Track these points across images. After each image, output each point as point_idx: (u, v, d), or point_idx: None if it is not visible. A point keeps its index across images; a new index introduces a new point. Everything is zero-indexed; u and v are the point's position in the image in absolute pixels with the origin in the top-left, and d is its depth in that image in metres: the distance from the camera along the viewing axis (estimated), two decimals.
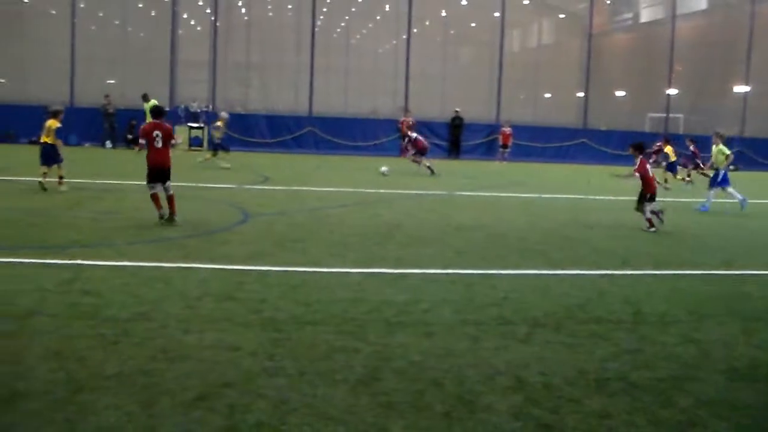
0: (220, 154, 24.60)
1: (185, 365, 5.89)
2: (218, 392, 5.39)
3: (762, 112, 39.83)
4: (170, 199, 12.77)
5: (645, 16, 49.95)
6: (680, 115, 41.69)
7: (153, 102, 30.12)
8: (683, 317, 8.29)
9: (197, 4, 40.44)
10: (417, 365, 6.21)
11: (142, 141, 12.93)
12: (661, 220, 14.65)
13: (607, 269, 10.72)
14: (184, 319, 7.10)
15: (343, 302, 8.03)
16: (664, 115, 40.73)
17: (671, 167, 25.44)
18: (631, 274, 10.54)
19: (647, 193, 14.67)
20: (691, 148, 26.68)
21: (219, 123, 25.56)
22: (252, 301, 7.86)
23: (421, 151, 24.89)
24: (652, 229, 14.32)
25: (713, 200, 18.76)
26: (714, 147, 19.35)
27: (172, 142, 13.01)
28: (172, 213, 12.72)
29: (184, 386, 5.46)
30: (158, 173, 12.78)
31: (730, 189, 18.80)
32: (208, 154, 25.20)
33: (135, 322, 6.94)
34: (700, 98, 41.72)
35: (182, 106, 34.67)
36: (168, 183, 12.82)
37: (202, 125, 33.56)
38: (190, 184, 18.52)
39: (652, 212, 14.60)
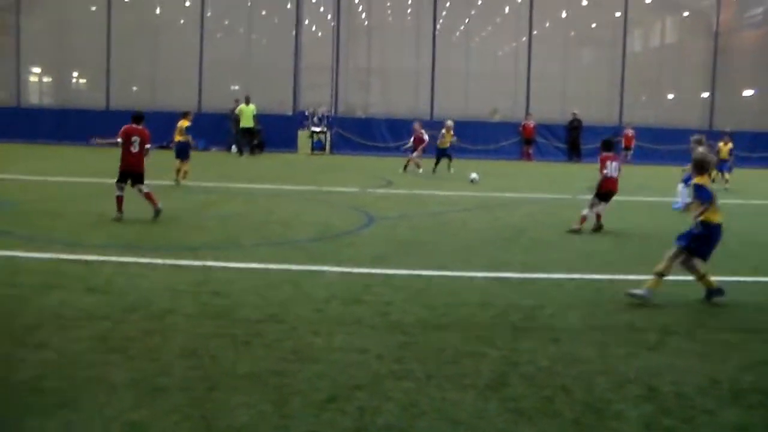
0: (444, 161, 25.11)
1: (315, 367, 6.03)
2: (348, 394, 5.50)
3: None
4: (148, 196, 13.09)
5: None
6: None
7: (253, 107, 30.75)
8: None
9: (319, 10, 41.20)
10: (545, 371, 6.17)
11: (118, 140, 13.05)
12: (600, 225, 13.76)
13: (740, 276, 10.36)
14: (313, 322, 7.27)
15: (469, 306, 8.06)
16: None
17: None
18: (765, 281, 10.16)
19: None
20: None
21: (444, 131, 25.59)
22: (378, 304, 7.97)
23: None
24: (575, 227, 13.42)
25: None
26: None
27: (147, 146, 13.23)
28: (155, 208, 13.08)
29: (315, 387, 5.59)
30: (129, 176, 13.05)
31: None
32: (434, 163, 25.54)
33: (265, 324, 7.15)
34: None
35: (308, 111, 35.33)
36: (140, 185, 13.12)
37: (324, 129, 34.19)
38: (313, 188, 18.95)
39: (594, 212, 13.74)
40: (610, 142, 14.93)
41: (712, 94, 38.91)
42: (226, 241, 11.57)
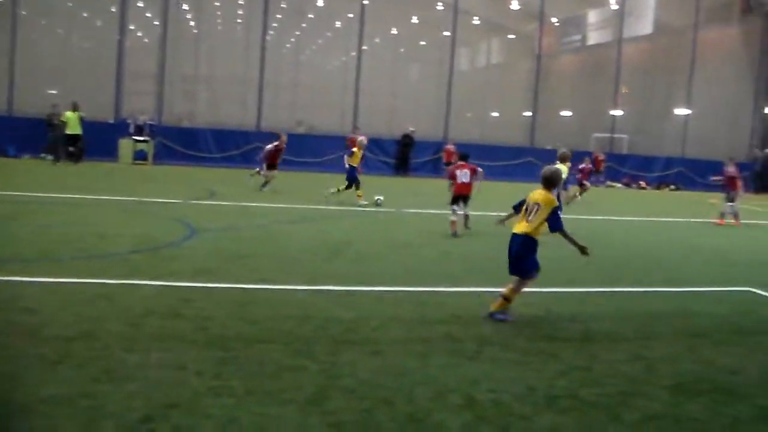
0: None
1: (129, 386, 5.74)
2: (163, 413, 5.26)
3: (701, 135, 40.72)
4: None
5: (592, 38, 50.74)
6: (625, 136, 42.43)
7: (79, 113, 29.50)
8: (630, 335, 8.38)
9: (145, 15, 39.99)
10: (366, 383, 6.15)
11: None
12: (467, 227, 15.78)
13: (555, 287, 10.78)
14: (128, 338, 6.94)
15: (292, 320, 7.94)
16: (609, 135, 41.41)
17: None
18: (578, 292, 10.63)
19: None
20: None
21: (354, 149, 21.53)
22: (199, 319, 7.72)
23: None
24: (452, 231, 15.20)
25: None
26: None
27: None
28: None
29: (128, 408, 5.31)
30: None
31: None
32: (341, 186, 20.85)
33: (77, 341, 6.75)
34: (644, 119, 42.57)
35: (130, 119, 34.03)
36: None
37: (147, 139, 33.11)
38: (134, 199, 18.29)
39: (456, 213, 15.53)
40: (466, 155, 16.86)
41: (534, 114, 40.70)
42: (38, 254, 10.91)
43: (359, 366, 6.56)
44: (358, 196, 20.09)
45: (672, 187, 38.53)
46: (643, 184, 38.85)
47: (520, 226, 8.99)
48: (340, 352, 6.92)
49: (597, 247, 14.81)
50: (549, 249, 14.34)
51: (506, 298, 8.65)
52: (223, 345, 6.92)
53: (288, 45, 42.42)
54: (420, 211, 19.67)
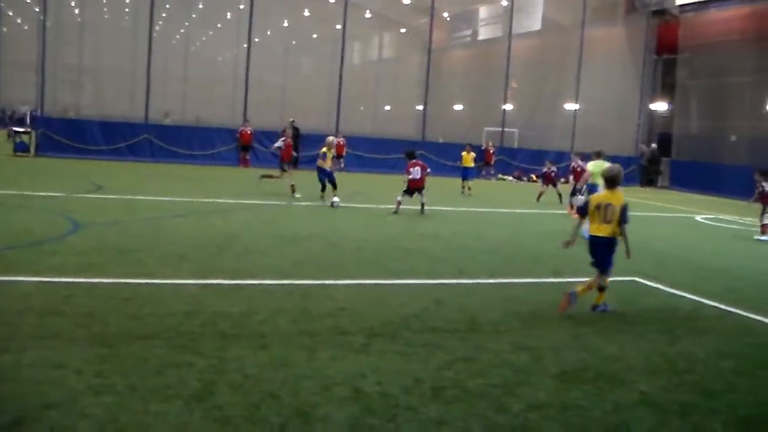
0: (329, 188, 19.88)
1: (1, 387, 5.50)
2: (38, 415, 5.05)
3: (589, 129, 41.88)
4: None
5: (483, 33, 51.61)
6: (515, 130, 43.28)
7: None
8: (516, 325, 8.53)
9: (25, 1, 38.46)
10: (252, 378, 6.06)
11: None
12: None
13: (443, 279, 10.90)
14: (1, 338, 6.64)
15: (177, 315, 7.76)
16: (500, 129, 42.16)
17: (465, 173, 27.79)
18: (467, 283, 10.76)
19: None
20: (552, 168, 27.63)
21: (324, 149, 20.16)
22: (79, 316, 7.46)
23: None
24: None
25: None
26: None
27: None
28: None
29: None
30: None
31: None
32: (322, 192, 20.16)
33: None
34: (534, 114, 43.51)
35: (9, 109, 32.72)
36: None
37: (28, 130, 31.87)
38: (13, 192, 17.59)
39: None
40: (412, 153, 20.00)
41: (425, 108, 41.07)
42: None
43: (246, 360, 6.47)
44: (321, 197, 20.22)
45: (563, 180, 39.52)
46: (534, 177, 39.71)
47: (600, 229, 9.43)
48: (226, 347, 6.80)
49: (485, 239, 15.11)
50: (440, 241, 14.61)
51: (601, 288, 9.45)
52: (105, 342, 6.71)
53: (177, 36, 41.53)
54: (308, 204, 19.53)
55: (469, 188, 27.02)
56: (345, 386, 6.02)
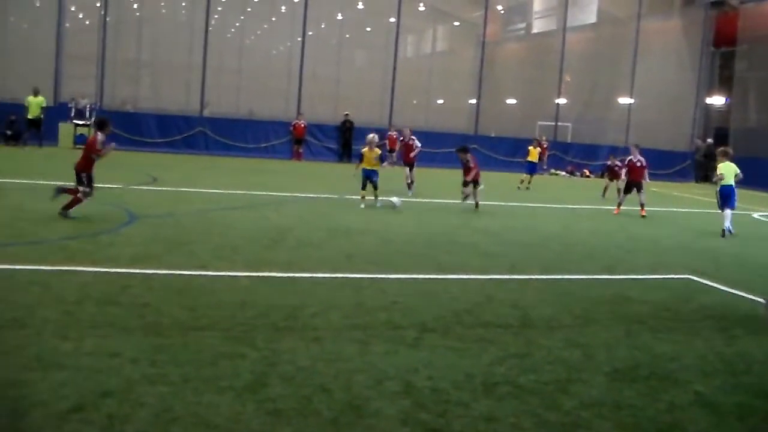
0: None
1: (60, 374, 5.60)
2: (96, 402, 5.15)
3: (643, 124, 41.31)
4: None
5: (537, 26, 51.17)
6: (568, 124, 42.86)
7: (41, 99, 29.14)
8: (569, 321, 8.45)
9: None
10: (304, 371, 6.10)
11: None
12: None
13: (496, 274, 10.85)
14: (61, 325, 6.79)
15: (230, 306, 7.85)
16: (553, 123, 41.79)
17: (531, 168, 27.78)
18: (519, 279, 10.70)
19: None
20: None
21: (365, 149, 18.23)
22: (135, 306, 7.59)
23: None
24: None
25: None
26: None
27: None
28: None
29: (59, 396, 5.18)
30: None
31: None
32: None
33: (6, 330, 6.58)
34: (587, 108, 43.01)
35: (70, 102, 33.32)
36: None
37: (88, 122, 32.43)
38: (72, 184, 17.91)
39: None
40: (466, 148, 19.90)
41: (478, 101, 40.88)
42: None
43: (298, 353, 6.51)
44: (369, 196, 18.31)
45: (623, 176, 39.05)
46: (587, 172, 39.29)
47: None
48: (279, 339, 6.86)
49: (537, 234, 15.00)
50: (492, 237, 14.56)
51: None
52: (160, 332, 6.81)
53: (232, 30, 41.88)
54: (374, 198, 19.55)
55: (529, 183, 26.85)
56: (397, 381, 6.03)
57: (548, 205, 22.16)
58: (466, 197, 18.98)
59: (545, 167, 37.92)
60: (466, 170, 18.93)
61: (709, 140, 43.21)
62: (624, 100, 42.77)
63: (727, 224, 17.39)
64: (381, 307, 8.31)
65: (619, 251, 14.16)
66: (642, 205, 20.42)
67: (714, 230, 17.86)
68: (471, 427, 5.26)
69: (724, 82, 43.46)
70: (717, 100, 43.75)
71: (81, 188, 13.03)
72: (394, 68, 38.16)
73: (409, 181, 22.15)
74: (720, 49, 43.39)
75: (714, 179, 18.24)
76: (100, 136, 13.47)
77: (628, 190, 20.92)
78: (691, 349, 7.71)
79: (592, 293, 10.13)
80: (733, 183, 17.73)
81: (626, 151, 32.80)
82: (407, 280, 10.00)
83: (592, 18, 45.96)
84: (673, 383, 6.58)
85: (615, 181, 25.23)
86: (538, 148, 28.74)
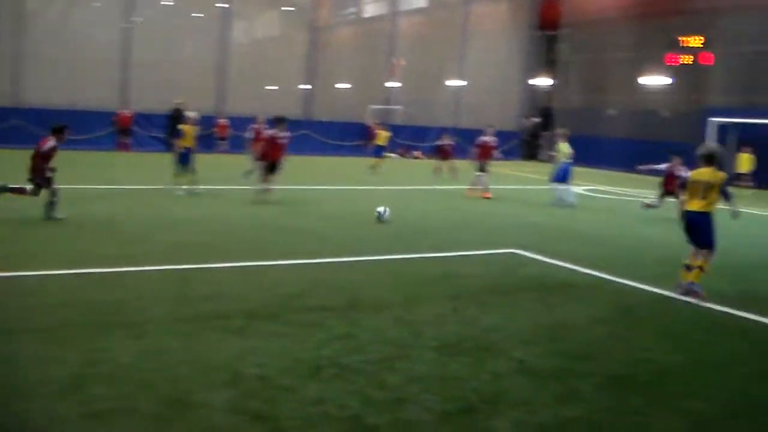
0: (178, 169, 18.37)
1: None
2: None
3: (473, 105, 42.49)
4: None
5: (368, 11, 51.51)
6: (399, 107, 43.49)
7: None
8: (397, 300, 8.59)
9: None
10: (126, 368, 5.91)
11: None
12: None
13: (326, 258, 10.88)
14: None
15: (50, 306, 7.48)
16: (385, 107, 42.30)
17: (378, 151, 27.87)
18: (349, 261, 10.78)
19: None
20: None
21: (184, 127, 18.55)
22: None
23: None
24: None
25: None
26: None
27: None
28: None
29: None
30: None
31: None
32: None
33: None
34: (419, 91, 43.79)
35: None
36: None
37: None
38: None
39: None
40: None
41: (311, 86, 40.83)
42: None
43: (121, 350, 6.29)
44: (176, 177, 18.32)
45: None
46: (417, 154, 39.98)
47: (698, 205, 9.58)
48: (101, 338, 6.60)
49: (369, 215, 15.13)
50: (324, 221, 14.56)
51: (702, 269, 9.58)
52: None
53: (51, 15, 39.84)
54: (191, 187, 19.06)
55: (373, 167, 27.00)
56: (223, 371, 5.94)
57: (382, 187, 22.42)
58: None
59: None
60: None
61: (535, 120, 44.98)
62: (454, 83, 43.81)
63: (568, 197, 19.59)
64: (207, 297, 8.16)
65: (449, 230, 14.51)
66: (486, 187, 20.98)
67: (538, 205, 18.61)
68: (299, 412, 5.27)
69: (549, 64, 45.30)
70: (542, 82, 45.54)
71: None
72: (225, 55, 37.50)
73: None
74: (545, 32, 45.17)
75: (553, 158, 20.39)
76: None
77: (482, 169, 21.19)
78: (514, 320, 8.01)
79: (421, 272, 10.33)
80: (567, 160, 20.13)
81: (456, 133, 33.78)
82: (235, 269, 9.86)
83: (422, 2, 46.72)
84: (496, 353, 6.82)
85: (446, 161, 25.94)
86: (385, 132, 28.91)
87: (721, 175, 9.60)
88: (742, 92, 35.13)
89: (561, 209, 18.72)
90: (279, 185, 17.62)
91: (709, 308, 9.18)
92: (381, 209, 14.91)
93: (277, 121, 18.23)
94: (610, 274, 10.75)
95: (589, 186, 26.37)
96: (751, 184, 28.17)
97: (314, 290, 8.79)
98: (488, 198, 20.32)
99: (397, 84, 43.59)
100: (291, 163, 19.20)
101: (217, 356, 6.26)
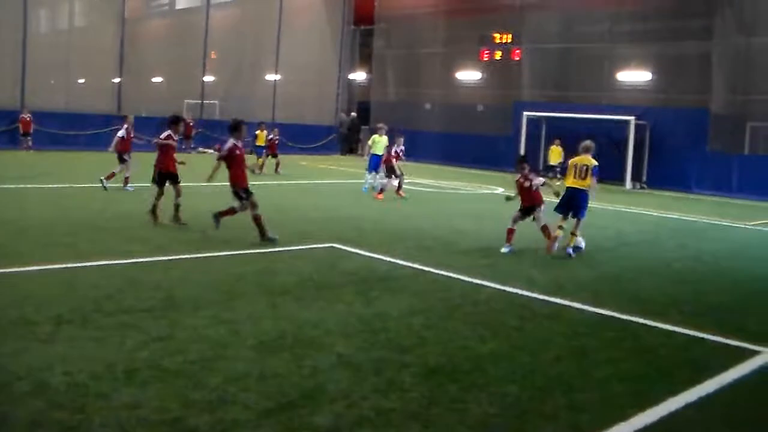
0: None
1: None
2: None
3: (290, 99, 42.45)
4: None
5: (180, 2, 50.30)
6: (216, 102, 42.79)
7: None
8: (216, 298, 8.43)
9: None
10: None
11: None
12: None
13: (141, 257, 10.52)
14: None
15: None
16: (200, 101, 41.50)
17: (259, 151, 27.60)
18: (165, 260, 10.47)
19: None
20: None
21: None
22: None
23: None
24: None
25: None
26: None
27: None
28: None
29: None
30: None
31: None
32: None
33: None
34: (235, 85, 43.24)
35: None
36: None
37: None
38: None
39: None
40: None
41: (122, 80, 39.43)
42: None
43: None
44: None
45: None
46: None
47: (578, 183, 12.62)
48: None
49: (189, 213, 14.74)
50: (135, 220, 14.03)
51: (574, 234, 12.57)
52: None
53: None
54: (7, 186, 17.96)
55: (262, 166, 26.40)
56: (27, 381, 5.58)
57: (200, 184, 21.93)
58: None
59: (193, 146, 37.37)
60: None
61: (353, 114, 45.51)
62: (270, 77, 43.57)
63: (378, 182, 21.13)
64: (11, 304, 7.64)
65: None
66: (400, 186, 21.26)
67: (355, 200, 18.81)
68: (112, 418, 5.04)
69: (365, 58, 45.93)
70: (359, 76, 46.12)
71: None
72: (24, 45, 35.45)
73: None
74: (360, 27, 45.71)
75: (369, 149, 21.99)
76: None
77: (391, 172, 21.27)
78: (333, 314, 8.04)
79: (239, 269, 10.16)
80: (381, 153, 21.60)
81: (273, 127, 33.55)
82: (43, 272, 9.34)
83: None
84: (316, 348, 6.81)
85: (274, 156, 25.95)
86: (266, 131, 28.32)
87: (594, 162, 12.58)
88: (551, 87, 37.04)
89: (380, 202, 18.98)
90: (79, 183, 16.87)
91: (523, 295, 9.59)
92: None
93: (172, 122, 15.00)
94: (427, 266, 11.01)
95: (407, 179, 26.89)
96: (560, 176, 29.72)
97: (129, 291, 8.46)
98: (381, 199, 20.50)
99: (212, 78, 42.86)
100: (105, 159, 18.41)
101: (21, 366, 5.87)
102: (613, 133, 30.93)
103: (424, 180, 27.08)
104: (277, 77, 43.28)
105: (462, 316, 8.42)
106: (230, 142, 12.58)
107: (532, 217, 12.89)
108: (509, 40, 37.36)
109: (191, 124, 37.04)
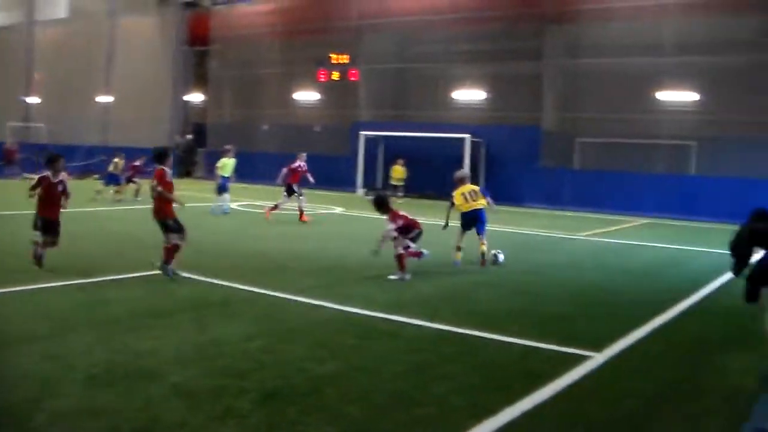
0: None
1: None
2: None
3: (123, 122, 41.29)
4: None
5: (0, 19, 48.09)
6: (42, 125, 41.07)
7: None
8: (43, 332, 8.09)
9: None
10: None
11: None
12: None
13: None
14: None
15: None
16: (25, 124, 39.71)
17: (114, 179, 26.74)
18: None
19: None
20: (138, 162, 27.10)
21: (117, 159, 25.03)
22: None
23: None
24: None
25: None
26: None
27: None
28: None
29: None
30: None
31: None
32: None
33: None
34: (64, 107, 41.69)
35: None
36: None
37: None
38: None
39: None
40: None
41: None
42: None
43: None
44: None
45: (96, 176, 38.31)
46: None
47: (475, 204, 14.28)
48: None
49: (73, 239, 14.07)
50: None
51: (482, 251, 14.25)
52: None
53: None
54: None
55: (119, 192, 25.97)
56: None
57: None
58: None
59: (17, 171, 35.55)
60: None
61: (189, 136, 44.77)
62: (102, 98, 42.25)
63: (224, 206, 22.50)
64: None
65: (102, 254, 13.96)
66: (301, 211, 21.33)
67: (196, 223, 18.50)
68: None
69: (200, 79, 45.32)
70: (195, 97, 45.44)
71: None
72: None
73: None
74: (195, 48, 45.09)
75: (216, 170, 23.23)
76: None
77: (290, 192, 21.44)
78: (167, 343, 7.88)
79: (68, 300, 9.81)
80: (228, 175, 23.09)
81: (105, 150, 32.56)
82: None
83: (62, 12, 44.48)
84: (150, 379, 6.66)
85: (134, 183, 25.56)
86: (122, 161, 27.26)
87: (476, 186, 14.82)
88: (388, 107, 37.75)
89: (219, 222, 18.72)
90: None
91: (362, 314, 9.73)
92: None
93: (159, 157, 12.67)
94: (264, 288, 11.00)
95: (244, 201, 26.70)
96: (401, 193, 30.37)
97: None
98: (305, 221, 21.04)
99: (37, 99, 41.13)
100: None
101: None
102: (450, 150, 31.84)
103: (261, 202, 26.91)
104: (110, 99, 42.02)
105: (300, 338, 8.44)
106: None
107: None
108: (347, 61, 37.79)
109: (14, 149, 35.33)
